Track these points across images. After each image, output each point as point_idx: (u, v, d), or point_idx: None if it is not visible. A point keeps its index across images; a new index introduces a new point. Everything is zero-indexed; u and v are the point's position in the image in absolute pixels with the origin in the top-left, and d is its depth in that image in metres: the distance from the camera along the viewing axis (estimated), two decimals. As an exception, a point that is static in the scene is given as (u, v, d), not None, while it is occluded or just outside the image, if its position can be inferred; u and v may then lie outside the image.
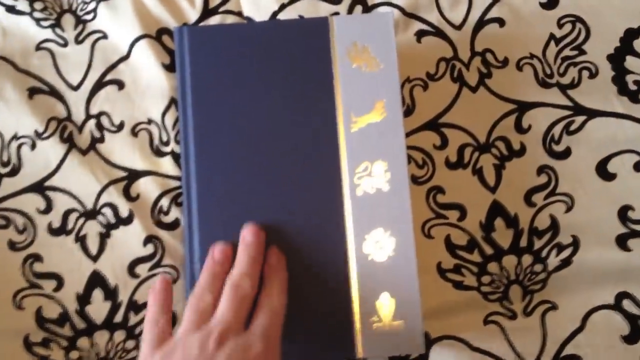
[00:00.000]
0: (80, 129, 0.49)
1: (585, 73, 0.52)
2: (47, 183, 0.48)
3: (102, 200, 0.48)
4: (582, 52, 0.52)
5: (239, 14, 0.52)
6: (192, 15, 0.51)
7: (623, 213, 0.49)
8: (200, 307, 0.38)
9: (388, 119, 0.45)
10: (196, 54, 0.45)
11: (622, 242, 0.49)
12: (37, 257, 0.47)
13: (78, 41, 0.51)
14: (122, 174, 0.49)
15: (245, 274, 0.40)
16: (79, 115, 0.49)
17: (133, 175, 0.49)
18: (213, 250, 0.42)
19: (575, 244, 0.49)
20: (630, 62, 0.52)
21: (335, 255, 0.43)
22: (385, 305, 0.43)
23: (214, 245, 0.42)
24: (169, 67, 0.50)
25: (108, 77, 0.50)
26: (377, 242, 0.44)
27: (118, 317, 0.47)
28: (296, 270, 0.43)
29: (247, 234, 0.42)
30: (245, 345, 0.36)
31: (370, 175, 0.44)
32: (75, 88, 0.50)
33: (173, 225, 0.48)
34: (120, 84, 0.50)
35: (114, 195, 0.48)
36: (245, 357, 0.36)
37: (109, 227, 0.48)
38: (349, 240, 0.43)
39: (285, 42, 0.45)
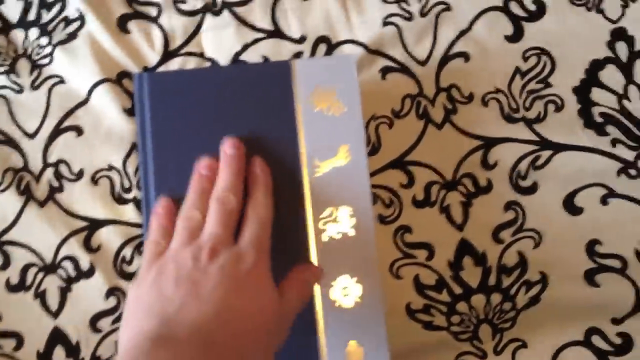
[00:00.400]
0: (38, 178, 0.48)
1: (551, 107, 0.51)
2: (4, 238, 0.47)
3: (62, 253, 0.47)
4: (548, 85, 0.52)
5: (201, 55, 0.51)
6: (153, 57, 0.50)
7: (591, 248, 0.49)
8: (190, 224, 0.39)
9: (352, 163, 0.44)
10: (156, 99, 0.44)
11: (590, 277, 0.49)
12: (-4, 314, 0.46)
13: (34, 87, 0.49)
14: (83, 224, 0.47)
15: (229, 188, 0.40)
16: (36, 164, 0.48)
17: (94, 225, 0.47)
18: (199, 166, 0.41)
19: (544, 280, 0.49)
20: (595, 94, 0.52)
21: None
22: (354, 353, 0.43)
23: (199, 160, 0.42)
24: (130, 112, 0.49)
25: (66, 124, 0.49)
26: (344, 288, 0.43)
27: (82, 372, 0.46)
28: None
29: (227, 147, 0.41)
30: (237, 256, 0.37)
31: (336, 221, 0.44)
32: (32, 136, 0.49)
33: (136, 275, 0.47)
34: (79, 130, 0.49)
35: (74, 247, 0.47)
36: (237, 267, 0.36)
37: (70, 281, 0.47)
38: (315, 287, 0.43)
39: (247, 87, 0.44)
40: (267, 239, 0.39)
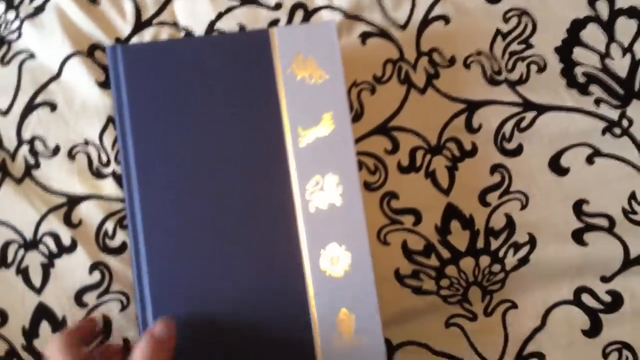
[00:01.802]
0: (13, 156, 0.47)
1: (533, 67, 0.51)
2: (-18, 216, 0.46)
3: (42, 230, 0.46)
4: (530, 46, 0.51)
5: (175, 24, 0.50)
6: (125, 28, 0.49)
7: (578, 207, 0.49)
8: None
9: (337, 131, 0.43)
10: (132, 72, 0.43)
11: (578, 236, 0.49)
12: (-23, 294, 0.45)
13: (4, 62, 0.48)
14: (62, 200, 0.46)
15: None
16: (10, 141, 0.47)
17: (73, 201, 0.46)
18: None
19: (532, 241, 0.48)
20: (577, 53, 0.51)
21: (291, 273, 0.42)
22: (345, 321, 0.42)
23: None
24: (104, 84, 0.48)
25: (39, 99, 0.48)
26: (333, 257, 0.43)
27: (68, 349, 0.45)
28: (253, 292, 0.42)
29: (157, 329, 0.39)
30: None
31: (322, 190, 0.43)
32: (5, 113, 0.47)
33: (120, 250, 0.46)
34: (52, 106, 0.48)
35: (54, 223, 0.46)
36: None
37: (52, 257, 0.46)
38: (304, 257, 0.42)
39: (225, 57, 0.43)
40: None
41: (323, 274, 0.42)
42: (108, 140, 0.47)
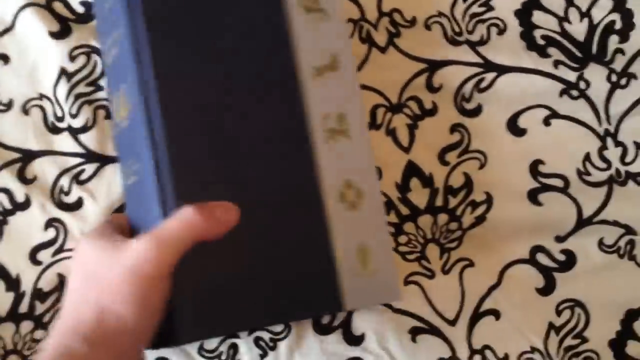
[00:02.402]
0: (-35, 110, 0.46)
1: (493, 29, 0.51)
2: None
3: (-6, 186, 0.45)
4: (490, 9, 0.52)
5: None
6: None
7: (534, 168, 0.50)
8: None
9: (343, 70, 0.43)
10: None
11: (533, 196, 0.50)
12: None
13: (-50, 14, 0.47)
14: (15, 155, 0.45)
15: None
16: (-39, 95, 0.46)
17: (27, 156, 0.45)
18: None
19: (489, 200, 0.49)
20: (537, 16, 0.52)
21: (311, 208, 0.41)
22: (363, 255, 0.42)
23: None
24: (57, 35, 0.47)
25: (-9, 51, 0.46)
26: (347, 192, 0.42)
27: (23, 307, 0.44)
28: (272, 225, 0.40)
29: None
30: None
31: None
32: (-45, 65, 0.46)
33: (75, 206, 0.45)
34: (5, 58, 0.46)
35: (7, 179, 0.45)
36: None
37: (5, 214, 0.45)
38: (324, 192, 0.41)
39: None
40: None
41: (342, 209, 0.42)
42: (62, 93, 0.46)
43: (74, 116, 0.46)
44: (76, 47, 0.47)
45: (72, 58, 0.47)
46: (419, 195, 0.49)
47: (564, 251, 0.49)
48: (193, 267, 0.37)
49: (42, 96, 0.46)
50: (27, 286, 0.44)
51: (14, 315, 0.44)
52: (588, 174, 0.50)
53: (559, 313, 0.49)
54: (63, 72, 0.46)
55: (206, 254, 0.38)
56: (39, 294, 0.44)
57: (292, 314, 0.41)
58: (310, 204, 0.41)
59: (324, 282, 0.41)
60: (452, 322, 0.48)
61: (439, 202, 0.49)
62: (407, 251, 0.48)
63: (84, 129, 0.46)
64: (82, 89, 0.47)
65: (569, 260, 0.49)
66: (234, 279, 0.39)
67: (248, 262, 0.39)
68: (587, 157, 0.51)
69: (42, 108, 0.46)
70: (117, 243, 0.35)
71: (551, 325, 0.48)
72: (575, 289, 0.49)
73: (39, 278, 0.45)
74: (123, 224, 0.41)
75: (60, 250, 0.45)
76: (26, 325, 0.44)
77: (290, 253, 0.40)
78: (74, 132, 0.46)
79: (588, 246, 0.50)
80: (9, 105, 0.46)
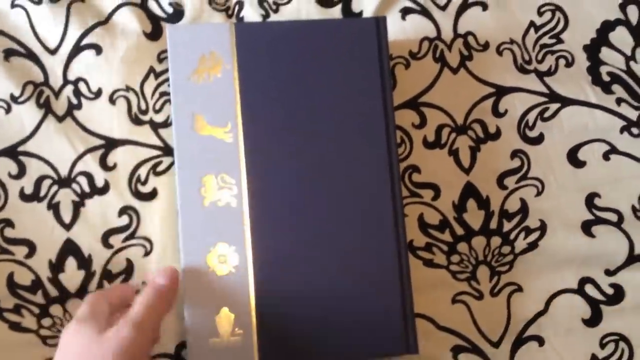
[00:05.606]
0: (57, 94, 0.48)
1: (562, 61, 0.53)
2: (21, 148, 0.47)
3: (77, 169, 0.47)
4: (560, 41, 0.53)
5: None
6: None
7: (590, 200, 0.51)
8: None
9: None
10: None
11: (587, 228, 0.50)
12: (8, 223, 0.46)
13: (53, 0, 0.49)
14: (99, 142, 0.48)
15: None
16: (56, 80, 0.48)
17: (110, 144, 0.48)
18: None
19: (543, 228, 0.50)
20: (605, 53, 0.53)
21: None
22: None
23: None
24: (150, 36, 0.49)
25: (85, 41, 0.49)
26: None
27: (92, 286, 0.46)
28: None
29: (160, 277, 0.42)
30: None
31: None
32: (53, 52, 0.49)
33: (150, 196, 0.48)
34: (98, 49, 0.49)
35: (90, 163, 0.47)
36: None
37: (84, 196, 0.47)
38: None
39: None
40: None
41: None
42: (148, 89, 0.49)
43: (157, 111, 0.49)
44: (164, 51, 0.49)
45: (161, 60, 0.49)
46: (474, 217, 0.50)
47: (612, 285, 0.50)
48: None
49: (128, 88, 0.49)
50: (97, 267, 0.47)
51: (83, 293, 0.46)
52: (642, 211, 0.51)
53: (602, 346, 0.49)
54: (152, 70, 0.49)
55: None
56: (108, 275, 0.47)
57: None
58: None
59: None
60: (496, 345, 0.49)
61: (493, 224, 0.50)
62: (458, 270, 0.49)
63: (165, 124, 0.49)
64: (167, 88, 0.49)
65: (617, 294, 0.50)
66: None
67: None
68: (642, 195, 0.51)
69: (127, 100, 0.49)
70: (101, 329, 0.38)
71: (594, 357, 0.49)
72: (621, 323, 0.50)
73: (108, 261, 0.47)
74: (125, 296, 0.42)
75: (131, 236, 0.47)
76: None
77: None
78: (155, 126, 0.48)
79: (637, 282, 0.50)
80: (97, 94, 0.48)
